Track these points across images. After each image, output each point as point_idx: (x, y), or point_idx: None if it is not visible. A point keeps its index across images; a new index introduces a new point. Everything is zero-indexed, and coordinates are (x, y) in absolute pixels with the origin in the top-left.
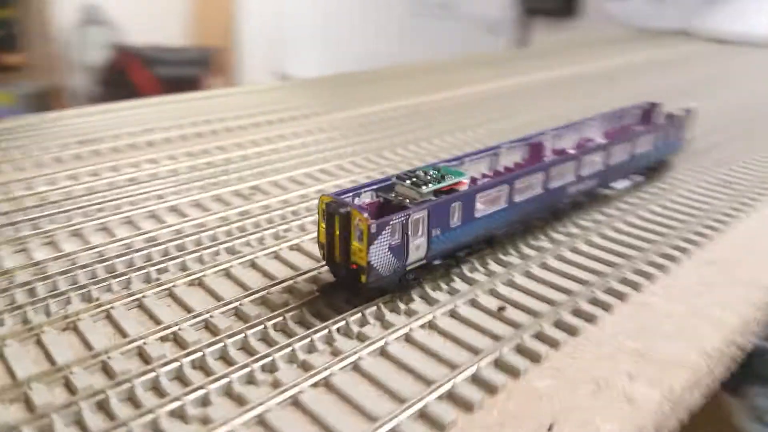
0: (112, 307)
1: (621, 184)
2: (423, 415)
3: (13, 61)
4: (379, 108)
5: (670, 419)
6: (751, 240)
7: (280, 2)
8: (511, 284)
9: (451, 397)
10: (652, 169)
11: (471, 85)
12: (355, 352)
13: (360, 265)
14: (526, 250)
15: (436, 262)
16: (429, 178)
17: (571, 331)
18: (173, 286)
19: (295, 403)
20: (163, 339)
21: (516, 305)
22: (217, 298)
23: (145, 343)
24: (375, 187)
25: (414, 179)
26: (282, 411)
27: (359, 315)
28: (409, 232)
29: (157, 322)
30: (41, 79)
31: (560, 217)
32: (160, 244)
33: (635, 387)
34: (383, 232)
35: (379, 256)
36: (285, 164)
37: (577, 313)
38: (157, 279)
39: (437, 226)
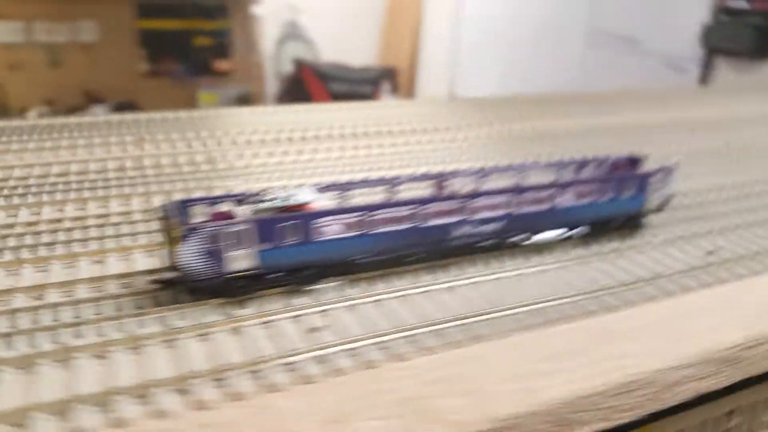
0: None
1: (548, 236)
2: (147, 403)
3: (224, 67)
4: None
5: None
6: (661, 322)
7: (461, 30)
8: (352, 309)
9: (188, 393)
10: (608, 225)
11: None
12: (143, 340)
13: (176, 265)
14: (399, 282)
15: (276, 275)
16: (274, 198)
17: (369, 363)
18: None
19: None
20: None
21: (339, 329)
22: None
23: None
24: (232, 198)
25: (259, 198)
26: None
27: (179, 311)
28: (228, 242)
29: None
30: (243, 85)
31: (459, 257)
32: None
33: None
34: (193, 237)
35: (191, 259)
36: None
37: (396, 344)
38: None
39: (267, 241)
